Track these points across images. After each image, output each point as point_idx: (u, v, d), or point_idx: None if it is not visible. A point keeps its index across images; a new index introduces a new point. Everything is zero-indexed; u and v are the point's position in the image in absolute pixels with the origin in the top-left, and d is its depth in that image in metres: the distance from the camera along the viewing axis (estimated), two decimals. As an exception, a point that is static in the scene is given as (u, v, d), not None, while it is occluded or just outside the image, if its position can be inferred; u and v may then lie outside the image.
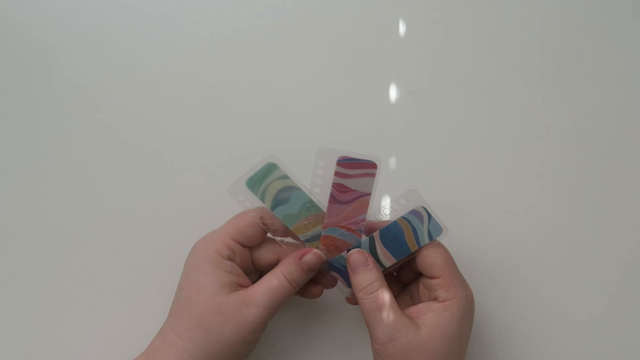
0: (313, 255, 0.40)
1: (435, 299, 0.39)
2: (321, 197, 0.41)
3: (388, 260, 0.40)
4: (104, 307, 0.46)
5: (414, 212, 0.40)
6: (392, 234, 0.40)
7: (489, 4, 0.51)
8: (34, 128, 0.49)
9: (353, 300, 0.42)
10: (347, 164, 0.40)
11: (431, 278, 0.40)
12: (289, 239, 0.42)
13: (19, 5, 0.51)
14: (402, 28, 0.51)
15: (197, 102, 0.50)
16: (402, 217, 0.41)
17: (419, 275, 0.42)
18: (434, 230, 0.40)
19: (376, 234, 0.41)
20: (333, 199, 0.41)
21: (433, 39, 0.51)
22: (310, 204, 0.41)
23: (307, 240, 0.41)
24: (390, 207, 0.41)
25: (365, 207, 0.41)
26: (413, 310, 0.39)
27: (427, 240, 0.40)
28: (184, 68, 0.50)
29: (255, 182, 0.40)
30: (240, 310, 0.38)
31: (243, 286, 0.40)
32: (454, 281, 0.39)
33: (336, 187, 0.40)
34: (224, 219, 0.41)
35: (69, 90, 0.50)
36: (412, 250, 0.40)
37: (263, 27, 0.51)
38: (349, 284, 0.41)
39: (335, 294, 0.45)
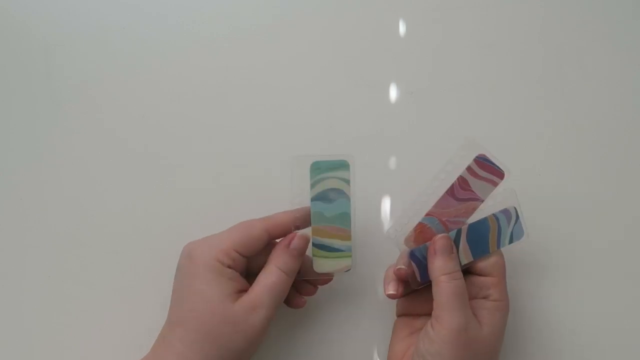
0: (299, 239, 0.40)
1: (484, 297, 0.40)
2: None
3: (466, 257, 0.40)
4: (104, 307, 0.46)
5: (505, 212, 0.41)
6: (479, 230, 0.40)
7: (489, 4, 0.51)
8: (34, 128, 0.49)
9: (399, 294, 0.41)
10: (483, 164, 0.40)
11: (483, 275, 0.40)
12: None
13: (19, 5, 0.51)
14: (402, 28, 0.51)
15: (197, 102, 0.50)
16: (493, 214, 0.41)
17: (466, 271, 0.42)
18: (517, 233, 0.41)
19: (464, 228, 0.40)
20: (451, 192, 0.41)
21: (433, 39, 0.51)
22: (346, 219, 0.40)
23: (314, 245, 0.41)
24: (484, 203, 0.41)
25: (471, 211, 0.41)
26: (484, 307, 0.39)
27: (507, 243, 0.41)
28: (184, 68, 0.50)
29: (319, 168, 0.40)
30: (247, 317, 0.38)
31: (242, 289, 0.39)
32: (504, 283, 0.40)
33: (460, 181, 0.41)
34: (224, 219, 0.41)
35: (69, 90, 0.50)
36: (491, 251, 0.40)
37: (263, 27, 0.51)
38: (422, 277, 0.41)
39: (334, 297, 0.45)
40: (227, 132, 0.49)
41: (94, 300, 0.47)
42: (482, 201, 0.41)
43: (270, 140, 0.49)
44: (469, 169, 0.40)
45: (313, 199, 0.40)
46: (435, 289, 0.39)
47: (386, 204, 0.48)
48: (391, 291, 0.41)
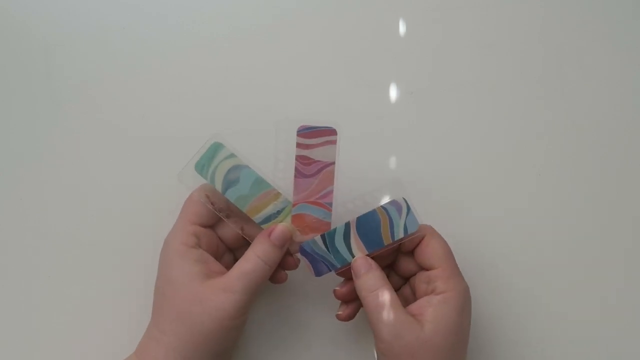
0: (280, 230, 0.40)
1: (432, 291, 0.39)
2: (286, 173, 0.40)
3: (360, 251, 0.40)
4: (103, 307, 0.46)
5: (394, 203, 0.40)
6: (369, 223, 0.40)
7: (489, 4, 0.51)
8: (34, 128, 0.49)
9: (343, 316, 0.42)
10: (307, 133, 0.40)
11: (429, 269, 0.40)
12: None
13: (19, 5, 0.51)
14: (402, 28, 0.51)
15: (197, 102, 0.50)
16: (381, 206, 0.40)
17: (405, 280, 0.42)
18: (411, 225, 0.40)
19: (353, 221, 0.40)
20: (298, 173, 0.40)
21: (433, 39, 0.51)
22: (259, 182, 0.40)
23: (261, 223, 0.40)
24: (372, 196, 0.41)
25: (331, 177, 0.40)
26: (414, 307, 0.39)
27: (401, 235, 0.40)
28: (184, 68, 0.50)
29: (204, 165, 0.40)
30: (217, 298, 0.37)
31: (215, 272, 0.39)
32: (452, 273, 0.39)
33: (300, 159, 0.40)
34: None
35: (69, 90, 0.50)
36: (386, 244, 0.40)
37: (263, 27, 0.51)
38: (316, 272, 0.40)
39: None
40: (226, 132, 0.49)
41: (94, 300, 0.47)
42: (334, 163, 0.40)
43: (270, 140, 0.49)
44: (298, 145, 0.40)
45: (224, 192, 0.40)
46: (364, 308, 0.39)
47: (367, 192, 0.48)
48: (338, 312, 0.42)
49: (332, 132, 0.40)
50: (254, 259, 0.39)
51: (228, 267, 0.40)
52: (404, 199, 0.40)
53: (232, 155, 0.40)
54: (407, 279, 0.43)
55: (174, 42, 0.51)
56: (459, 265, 0.40)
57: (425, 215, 0.41)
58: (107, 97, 0.50)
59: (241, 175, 0.40)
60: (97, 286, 0.47)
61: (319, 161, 0.40)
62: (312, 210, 0.40)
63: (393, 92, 0.50)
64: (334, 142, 0.40)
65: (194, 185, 0.41)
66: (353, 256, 0.40)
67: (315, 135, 0.40)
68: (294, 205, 0.40)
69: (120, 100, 0.50)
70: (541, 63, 0.51)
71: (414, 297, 0.42)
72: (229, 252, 0.43)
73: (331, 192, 0.40)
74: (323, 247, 0.40)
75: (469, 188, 0.49)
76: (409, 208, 0.40)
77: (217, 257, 0.41)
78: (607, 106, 0.50)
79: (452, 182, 0.48)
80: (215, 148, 0.40)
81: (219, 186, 0.40)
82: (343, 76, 0.50)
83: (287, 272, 0.42)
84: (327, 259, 0.40)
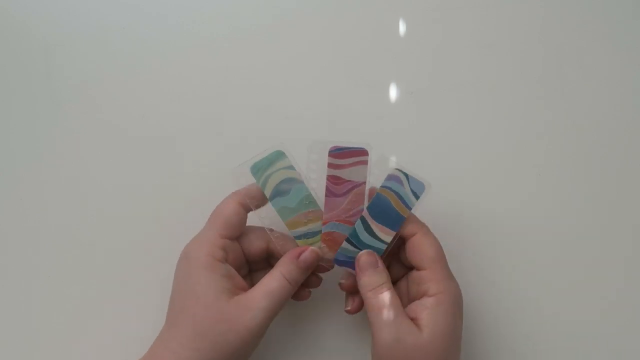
0: (310, 253, 0.40)
1: (424, 293, 0.38)
2: (318, 192, 0.41)
3: (387, 234, 0.40)
4: (103, 307, 0.46)
5: (392, 177, 0.40)
6: (379, 207, 0.40)
7: (489, 4, 0.52)
8: (34, 128, 0.49)
9: (352, 309, 0.42)
10: (339, 154, 0.40)
11: (420, 270, 0.39)
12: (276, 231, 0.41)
13: (19, 5, 0.51)
14: (402, 28, 0.51)
15: (197, 102, 0.50)
16: (381, 186, 0.40)
17: (408, 269, 0.42)
18: (417, 188, 0.40)
19: (365, 213, 0.40)
20: (329, 193, 0.40)
21: (433, 39, 0.51)
22: (308, 200, 0.40)
23: (298, 237, 0.41)
24: (368, 182, 0.41)
25: (361, 197, 0.40)
26: (409, 310, 0.39)
27: (414, 201, 0.40)
28: (184, 68, 0.50)
29: (260, 169, 0.40)
30: (242, 316, 0.37)
31: (239, 288, 0.39)
32: (444, 274, 0.39)
33: (331, 179, 0.40)
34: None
35: (69, 90, 0.50)
36: (405, 215, 0.40)
37: (263, 27, 0.51)
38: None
39: (330, 298, 0.45)
40: (227, 132, 0.49)
41: (94, 300, 0.47)
42: (365, 182, 0.40)
43: (270, 140, 0.49)
44: (330, 165, 0.40)
45: (270, 199, 0.40)
46: (365, 307, 0.39)
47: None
48: (347, 307, 0.42)
49: (363, 152, 0.40)
50: (280, 278, 0.39)
51: (244, 279, 0.41)
52: (397, 169, 0.40)
53: (290, 167, 0.40)
54: (395, 282, 0.43)
55: (174, 42, 0.51)
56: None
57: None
58: (107, 97, 0.50)
59: (293, 189, 0.40)
60: (97, 286, 0.47)
61: (349, 181, 0.40)
62: (341, 229, 0.41)
63: (393, 92, 0.50)
64: (365, 163, 0.40)
65: (243, 184, 0.40)
66: (383, 242, 0.40)
67: (346, 155, 0.40)
68: (324, 223, 0.41)
69: (120, 100, 0.50)
70: (541, 63, 0.51)
71: (403, 300, 0.41)
72: (246, 265, 0.43)
73: (361, 210, 0.40)
74: (353, 248, 0.40)
75: (469, 188, 0.49)
76: (406, 175, 0.40)
77: (238, 270, 0.41)
78: (607, 106, 0.50)
79: (452, 182, 0.48)
80: (277, 155, 0.40)
81: (268, 192, 0.40)
82: (343, 76, 0.50)
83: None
84: None
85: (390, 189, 0.40)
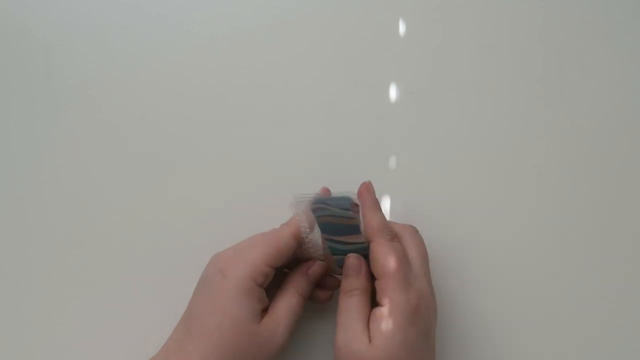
0: (318, 266, 0.42)
1: (379, 302, 0.38)
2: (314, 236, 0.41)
3: (356, 238, 0.40)
4: (104, 308, 0.46)
5: (315, 210, 0.39)
6: (328, 227, 0.40)
7: (489, 4, 0.51)
8: (34, 128, 0.49)
9: (323, 297, 0.43)
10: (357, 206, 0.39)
11: (377, 279, 0.38)
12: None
13: (19, 5, 0.51)
14: (402, 28, 0.51)
15: (197, 102, 0.50)
16: (316, 218, 0.39)
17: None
18: (343, 205, 0.38)
19: (324, 236, 0.40)
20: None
21: (433, 39, 0.51)
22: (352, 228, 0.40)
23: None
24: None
25: (357, 225, 0.40)
26: (370, 319, 0.38)
27: (349, 213, 0.38)
28: (184, 68, 0.50)
29: (321, 207, 0.39)
30: (272, 338, 0.39)
31: (265, 309, 0.40)
32: (393, 285, 0.37)
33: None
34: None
35: (69, 90, 0.50)
36: (357, 223, 0.39)
37: (263, 27, 0.51)
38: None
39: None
40: (227, 132, 0.49)
41: (94, 300, 0.47)
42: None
43: (270, 140, 0.49)
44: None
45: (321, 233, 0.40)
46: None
47: (386, 204, 0.48)
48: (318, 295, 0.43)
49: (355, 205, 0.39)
50: (296, 295, 0.41)
51: None
52: (313, 203, 0.38)
53: (350, 217, 0.39)
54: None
55: (174, 42, 0.51)
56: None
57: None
58: (107, 97, 0.50)
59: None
60: (97, 286, 0.47)
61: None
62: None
63: (393, 92, 0.50)
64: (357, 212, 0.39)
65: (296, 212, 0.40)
66: (358, 243, 0.40)
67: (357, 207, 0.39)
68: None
69: (120, 100, 0.50)
70: (541, 63, 0.51)
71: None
72: None
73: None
74: (344, 256, 0.41)
75: (469, 188, 0.49)
76: (324, 202, 0.38)
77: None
78: (607, 106, 0.50)
79: (452, 182, 0.48)
80: (343, 202, 0.38)
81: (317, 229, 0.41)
82: (343, 76, 0.50)
83: None
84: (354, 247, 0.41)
85: (320, 215, 0.39)
